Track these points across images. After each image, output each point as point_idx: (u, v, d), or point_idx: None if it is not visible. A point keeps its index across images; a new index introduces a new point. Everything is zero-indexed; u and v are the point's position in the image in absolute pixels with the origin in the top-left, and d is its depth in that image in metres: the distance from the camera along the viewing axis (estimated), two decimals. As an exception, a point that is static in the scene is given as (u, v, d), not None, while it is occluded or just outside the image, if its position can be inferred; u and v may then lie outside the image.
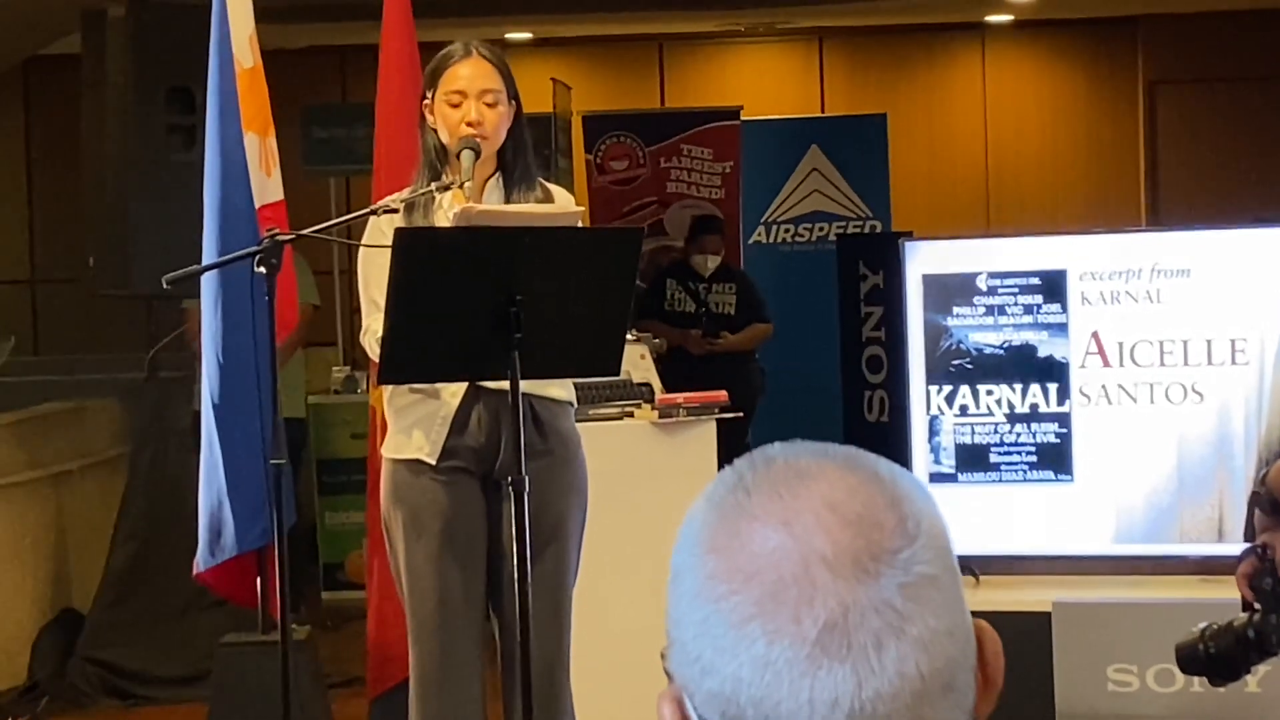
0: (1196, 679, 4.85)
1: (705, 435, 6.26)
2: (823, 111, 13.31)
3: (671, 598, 1.26)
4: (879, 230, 11.71)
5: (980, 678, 1.27)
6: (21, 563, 7.75)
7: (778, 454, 1.28)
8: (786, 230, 12.07)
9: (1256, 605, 3.22)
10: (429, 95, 4.75)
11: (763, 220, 12.03)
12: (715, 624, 1.21)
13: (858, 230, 11.82)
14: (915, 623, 1.20)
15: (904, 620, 1.19)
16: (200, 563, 5.93)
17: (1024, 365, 6.16)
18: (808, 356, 11.20)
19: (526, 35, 12.86)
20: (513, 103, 4.73)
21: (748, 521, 1.23)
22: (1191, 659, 3.25)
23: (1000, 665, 1.28)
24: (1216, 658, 3.19)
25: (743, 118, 11.95)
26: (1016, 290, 6.17)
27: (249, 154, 5.89)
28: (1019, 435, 6.17)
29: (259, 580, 5.81)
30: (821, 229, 11.95)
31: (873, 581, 1.20)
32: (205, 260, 5.67)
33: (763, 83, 13.32)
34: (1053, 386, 6.15)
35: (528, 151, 4.78)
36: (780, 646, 1.19)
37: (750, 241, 11.94)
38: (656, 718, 1.26)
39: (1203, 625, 3.24)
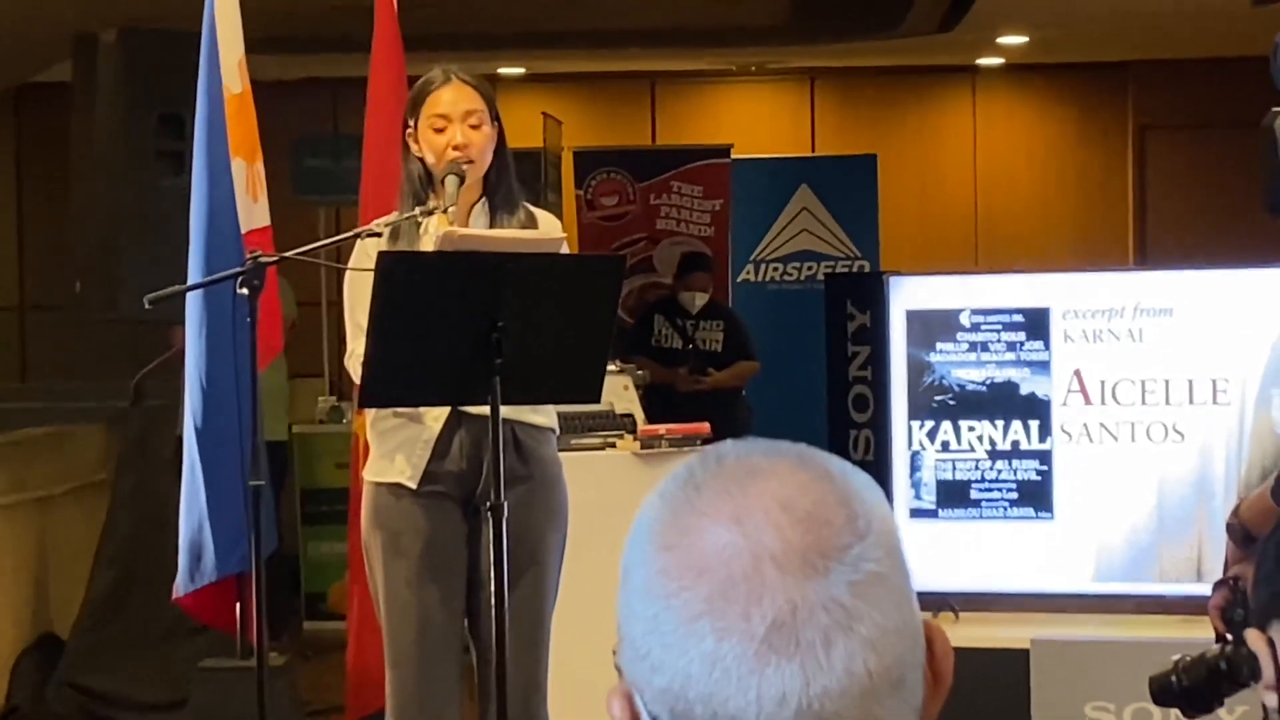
0: (1174, 718, 4.85)
1: (687, 468, 6.25)
2: (813, 151, 13.33)
3: (622, 594, 1.27)
4: (867, 270, 11.74)
5: (929, 676, 1.27)
6: (2, 586, 7.74)
7: (729, 451, 1.28)
8: (775, 269, 12.08)
9: (1229, 636, 3.22)
10: (411, 123, 4.77)
11: (752, 258, 12.05)
12: (665, 621, 1.22)
13: (846, 270, 11.84)
14: (864, 620, 1.20)
15: (852, 618, 1.20)
16: (180, 587, 5.93)
17: (1006, 402, 6.18)
18: (795, 395, 11.20)
19: (519, 70, 12.89)
20: (496, 125, 4.75)
21: (698, 518, 1.23)
22: (1164, 691, 3.25)
23: (950, 664, 1.29)
24: (1189, 689, 3.19)
25: (733, 156, 11.98)
26: (1000, 327, 6.19)
27: (236, 179, 5.90)
28: (1000, 472, 6.18)
29: (238, 605, 5.80)
30: (810, 268, 11.97)
31: (821, 579, 1.20)
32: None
33: (754, 122, 13.35)
34: (1034, 424, 6.16)
35: (511, 175, 4.80)
36: (729, 644, 1.19)
37: (739, 279, 11.96)
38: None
39: (1176, 657, 3.24)
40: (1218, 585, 3.43)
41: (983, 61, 13.04)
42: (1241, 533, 3.48)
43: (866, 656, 1.20)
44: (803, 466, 1.26)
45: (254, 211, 5.98)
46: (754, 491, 1.23)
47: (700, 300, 10.29)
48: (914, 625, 1.25)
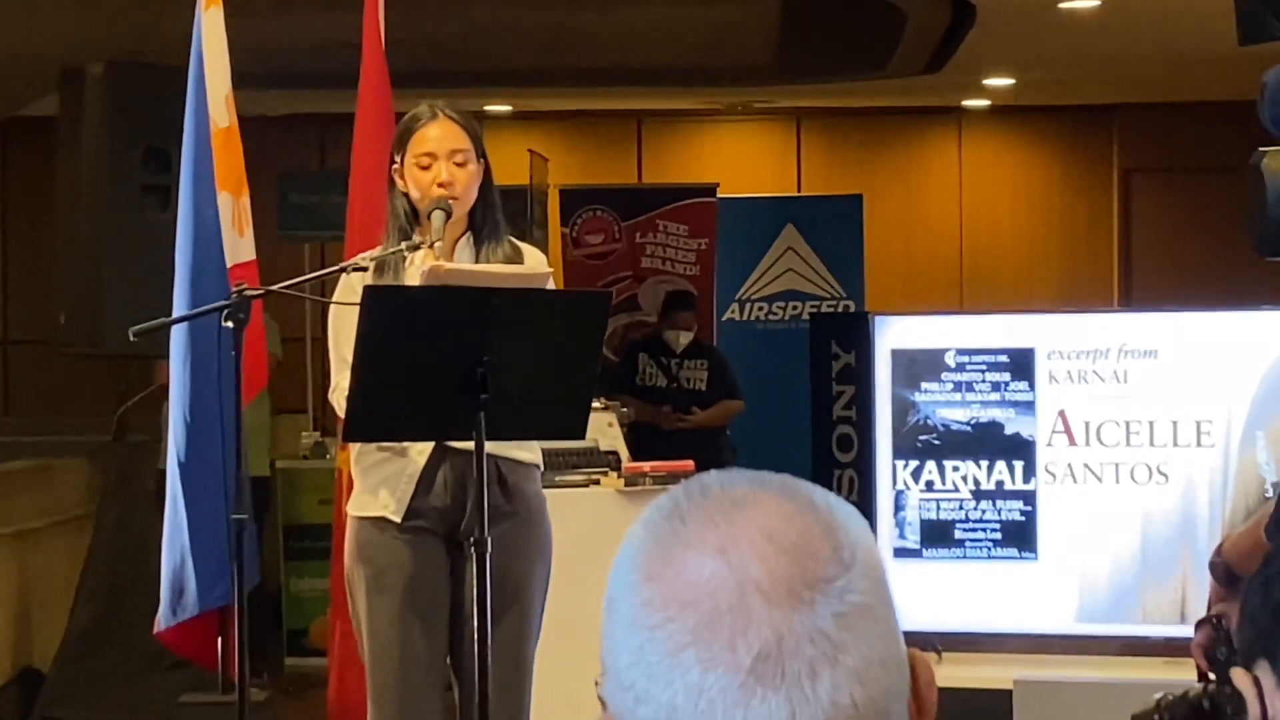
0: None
1: (671, 505, 6.24)
2: (799, 191, 13.35)
3: (606, 624, 1.26)
4: (852, 310, 11.75)
5: (913, 707, 1.27)
6: (-17, 620, 7.71)
7: (714, 482, 1.28)
8: (760, 308, 12.09)
9: (1212, 675, 3.22)
10: (397, 159, 4.77)
11: (737, 297, 12.06)
12: (650, 652, 1.21)
13: (831, 309, 11.85)
14: (849, 652, 1.20)
15: (838, 649, 1.19)
16: (161, 621, 5.89)
17: (990, 442, 6.18)
18: (779, 434, 11.18)
19: (506, 108, 12.91)
20: (481, 161, 4.75)
21: (683, 549, 1.23)
22: (1147, 729, 3.25)
23: (933, 695, 1.28)
24: (1172, 728, 3.18)
25: (719, 195, 12.00)
26: (985, 367, 6.20)
27: (222, 213, 5.88)
28: (984, 512, 6.18)
29: (220, 640, 5.77)
30: (795, 307, 11.98)
31: (807, 610, 1.20)
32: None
33: (740, 161, 13.37)
34: (1018, 464, 6.17)
35: (497, 210, 4.80)
36: (715, 675, 1.19)
37: (724, 318, 11.97)
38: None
39: (1158, 696, 3.24)
40: (1201, 624, 3.43)
41: (968, 103, 13.08)
42: (1224, 571, 3.48)
43: (852, 688, 1.19)
44: (788, 497, 1.25)
45: (240, 245, 5.97)
46: (739, 522, 1.23)
47: (685, 339, 10.29)
48: (899, 656, 1.24)
